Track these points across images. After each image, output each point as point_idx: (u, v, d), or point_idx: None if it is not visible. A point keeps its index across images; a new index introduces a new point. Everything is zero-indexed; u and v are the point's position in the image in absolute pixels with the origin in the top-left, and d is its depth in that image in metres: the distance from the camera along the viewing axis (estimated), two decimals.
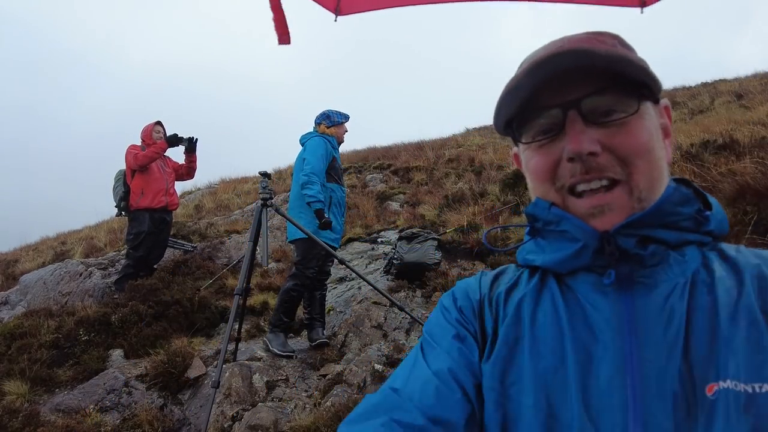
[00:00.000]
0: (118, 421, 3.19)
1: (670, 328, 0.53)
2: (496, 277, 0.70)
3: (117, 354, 4.04)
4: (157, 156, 5.28)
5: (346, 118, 4.15)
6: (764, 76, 12.10)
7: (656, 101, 0.63)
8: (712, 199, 0.65)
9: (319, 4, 1.96)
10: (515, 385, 0.57)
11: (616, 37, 0.64)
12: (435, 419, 0.56)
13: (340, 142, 4.16)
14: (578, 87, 0.58)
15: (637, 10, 1.90)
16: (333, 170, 4.03)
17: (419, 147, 12.35)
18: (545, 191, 0.63)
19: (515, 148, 0.71)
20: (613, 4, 1.96)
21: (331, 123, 4.08)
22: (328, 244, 3.66)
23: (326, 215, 3.70)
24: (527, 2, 2.04)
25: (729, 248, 0.62)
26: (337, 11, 1.98)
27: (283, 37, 1.81)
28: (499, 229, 1.36)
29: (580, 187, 0.59)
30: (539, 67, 0.57)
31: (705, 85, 12.95)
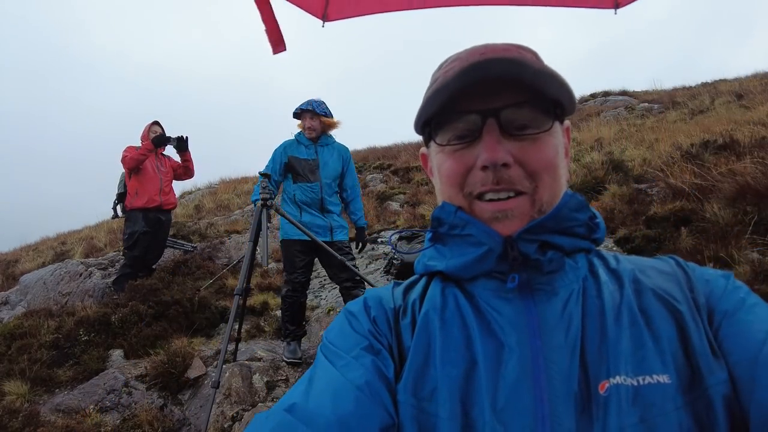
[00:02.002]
0: (118, 421, 3.19)
1: (570, 332, 0.56)
2: (408, 287, 0.69)
3: (117, 354, 4.04)
4: (143, 157, 5.27)
5: (300, 108, 3.80)
6: (764, 76, 12.10)
7: (562, 122, 0.65)
8: (595, 211, 0.67)
9: (306, 11, 1.96)
10: (430, 398, 0.56)
11: (534, 52, 0.65)
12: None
13: (309, 136, 3.83)
14: (501, 97, 0.59)
15: (611, 11, 1.90)
16: (293, 170, 3.82)
17: (419, 147, 12.34)
18: (453, 196, 0.64)
19: (424, 149, 0.72)
20: (587, 6, 1.95)
21: (294, 117, 3.92)
22: (322, 241, 3.53)
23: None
24: (503, 5, 2.04)
25: (608, 255, 0.66)
26: (324, 17, 1.97)
27: (278, 46, 1.81)
28: (414, 231, 1.36)
29: (488, 196, 0.60)
30: (470, 71, 0.57)
31: (705, 85, 12.95)
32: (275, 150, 3.87)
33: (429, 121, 0.65)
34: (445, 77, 0.60)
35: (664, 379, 0.52)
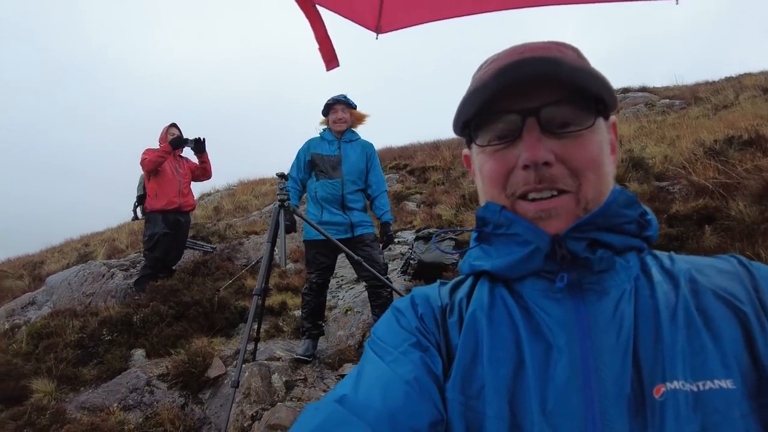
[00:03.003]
0: (141, 419, 3.25)
1: (622, 333, 0.54)
2: (454, 287, 0.69)
3: (139, 354, 4.11)
4: (161, 159, 5.35)
5: (331, 100, 3.81)
6: None
7: (607, 117, 0.64)
8: (646, 208, 0.66)
9: (360, 24, 1.94)
10: (478, 396, 0.56)
11: (575, 49, 0.64)
12: (398, 427, 0.52)
13: (339, 129, 3.84)
14: (539, 95, 0.58)
15: (672, 2, 1.84)
16: (315, 167, 3.81)
17: (435, 146, 12.30)
18: (495, 196, 0.63)
19: (466, 150, 0.72)
20: None
21: (322, 114, 3.91)
22: (339, 239, 3.51)
23: (290, 213, 3.38)
24: (560, 5, 1.98)
25: (662, 254, 0.64)
26: (378, 29, 1.96)
27: (331, 62, 1.81)
28: (451, 232, 1.35)
29: (531, 195, 0.59)
30: (506, 71, 0.57)
31: (729, 79, 12.61)
32: (299, 149, 3.87)
33: (469, 122, 0.64)
34: (482, 78, 0.60)
35: (727, 384, 0.50)
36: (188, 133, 5.66)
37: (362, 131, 4.05)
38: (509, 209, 0.62)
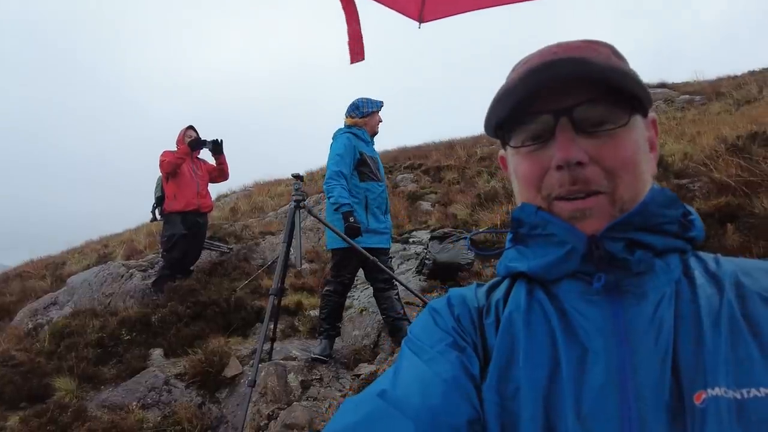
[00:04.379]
0: (159, 418, 3.29)
1: (661, 337, 0.53)
2: (491, 288, 0.68)
3: (157, 353, 4.17)
4: (180, 161, 5.41)
5: (378, 105, 3.78)
6: None
7: (645, 114, 0.62)
8: (690, 208, 0.63)
9: (402, 13, 1.93)
10: (513, 397, 0.55)
11: (610, 47, 0.63)
12: (437, 424, 0.52)
13: (373, 133, 3.82)
14: (571, 95, 0.57)
15: None
16: (364, 166, 3.68)
17: (450, 146, 12.24)
18: (531, 198, 0.63)
19: (502, 151, 0.71)
20: None
21: (361, 114, 3.76)
22: (372, 248, 3.50)
23: (354, 217, 3.39)
24: None
25: (707, 256, 0.62)
26: (420, 18, 1.95)
27: (358, 55, 1.80)
28: (490, 232, 1.33)
29: (566, 197, 0.59)
30: (536, 72, 0.56)
31: (752, 73, 12.30)
32: (344, 143, 3.63)
33: (501, 124, 0.64)
34: (514, 79, 0.60)
35: None
36: (205, 135, 5.73)
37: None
38: (546, 210, 0.61)
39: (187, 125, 5.71)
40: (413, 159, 11.87)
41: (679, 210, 0.61)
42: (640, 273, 0.57)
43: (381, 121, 3.86)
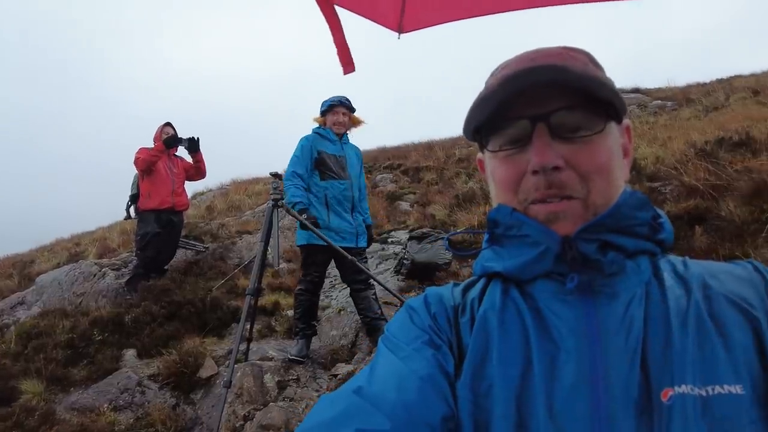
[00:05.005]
0: (132, 420, 3.23)
1: (630, 336, 0.54)
2: (467, 287, 0.69)
3: (130, 354, 4.09)
4: (155, 158, 5.31)
5: (333, 101, 3.75)
6: None
7: (619, 121, 0.64)
8: (660, 211, 0.65)
9: (381, 24, 1.93)
10: (487, 394, 0.56)
11: (587, 54, 0.65)
12: (412, 420, 0.53)
13: (338, 132, 3.80)
14: (549, 101, 0.59)
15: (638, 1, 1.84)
16: (323, 165, 3.70)
17: (429, 147, 12.30)
18: (508, 201, 0.64)
19: (480, 155, 0.72)
20: None
21: (321, 112, 3.81)
22: (344, 247, 3.49)
23: (307, 213, 3.40)
24: (568, 4, 1.97)
25: (675, 259, 0.64)
26: (400, 29, 1.95)
27: (348, 66, 1.79)
28: (468, 232, 1.35)
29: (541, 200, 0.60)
30: (515, 78, 0.57)
31: (720, 81, 12.71)
32: (301, 145, 3.73)
33: (480, 128, 0.65)
34: (493, 84, 0.61)
35: (736, 389, 0.50)
36: (183, 133, 5.63)
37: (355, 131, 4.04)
38: (521, 212, 0.63)
39: (165, 122, 5.60)
40: (392, 159, 11.90)
41: (650, 213, 0.63)
42: (611, 274, 0.58)
43: (341, 122, 3.77)
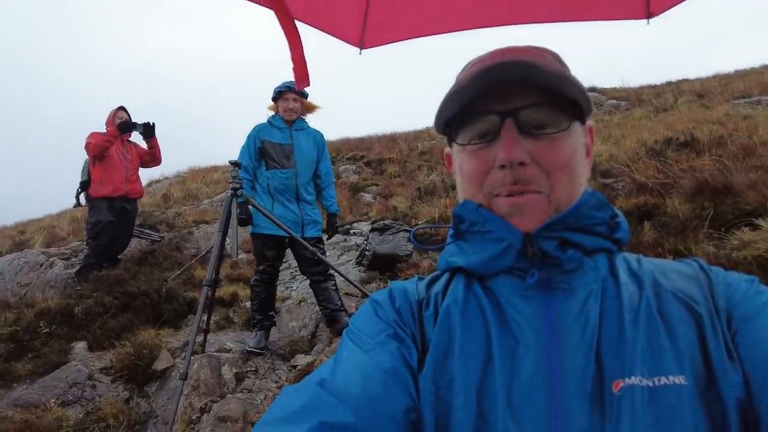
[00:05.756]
0: (81, 415, 3.11)
1: (586, 331, 0.57)
2: (431, 282, 0.71)
3: (80, 346, 3.93)
4: (108, 144, 5.10)
5: (282, 87, 3.67)
6: (723, 77, 12.55)
7: (583, 121, 0.67)
8: (617, 211, 0.68)
9: (342, 40, 1.91)
10: (448, 387, 0.58)
11: (554, 54, 0.67)
12: (375, 412, 0.54)
13: (289, 118, 3.71)
14: (518, 98, 0.61)
15: (644, 21, 1.90)
16: (266, 155, 3.66)
17: (392, 139, 12.33)
18: (473, 194, 0.66)
19: (448, 149, 0.74)
20: (618, 18, 1.95)
21: (272, 98, 3.76)
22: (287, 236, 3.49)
23: (240, 208, 3.36)
24: (539, 23, 2.00)
25: (631, 257, 0.67)
26: (361, 44, 1.93)
27: (303, 81, 1.77)
28: (430, 227, 1.38)
29: (505, 194, 0.62)
30: (487, 73, 0.59)
31: (669, 84, 13.33)
32: (247, 135, 3.74)
33: (450, 122, 0.66)
34: (464, 79, 0.62)
35: (680, 380, 0.52)
36: (138, 118, 5.41)
37: (314, 120, 3.98)
38: (486, 207, 0.64)
39: (118, 106, 5.37)
40: (356, 150, 11.87)
41: (608, 212, 0.65)
42: (570, 271, 0.60)
43: (292, 108, 3.69)
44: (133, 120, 5.33)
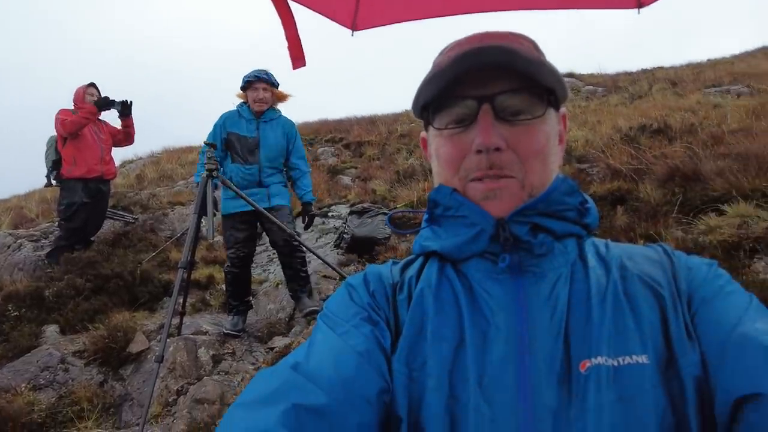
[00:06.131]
0: (54, 399, 3.06)
1: (555, 314, 0.59)
2: (406, 265, 0.72)
3: (52, 330, 3.85)
4: (86, 121, 4.93)
5: (251, 76, 3.55)
6: (696, 66, 12.81)
7: (558, 108, 0.68)
8: (587, 197, 0.70)
9: (335, 21, 1.88)
10: (421, 368, 0.59)
11: (531, 41, 0.68)
12: (349, 395, 0.55)
13: (258, 109, 3.60)
14: (496, 83, 0.61)
15: (634, 11, 1.91)
16: (230, 148, 3.60)
17: (372, 121, 12.26)
18: (449, 178, 0.66)
19: (424, 133, 0.74)
20: (609, 7, 1.95)
21: (241, 88, 3.62)
22: (265, 208, 3.44)
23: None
24: (531, 9, 1.99)
25: (599, 242, 0.69)
26: (354, 26, 1.90)
27: (298, 61, 1.74)
28: (408, 211, 1.39)
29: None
30: (466, 57, 0.59)
31: (644, 71, 13.53)
32: (214, 124, 3.64)
33: (427, 105, 0.66)
34: (442, 63, 0.62)
35: (643, 359, 0.54)
36: (109, 96, 5.22)
37: (291, 104, 3.88)
38: (461, 191, 0.65)
39: (88, 83, 5.17)
40: (334, 132, 11.77)
41: (578, 198, 0.67)
42: (540, 255, 0.62)
43: (262, 99, 3.57)
44: (109, 98, 5.13)
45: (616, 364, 0.54)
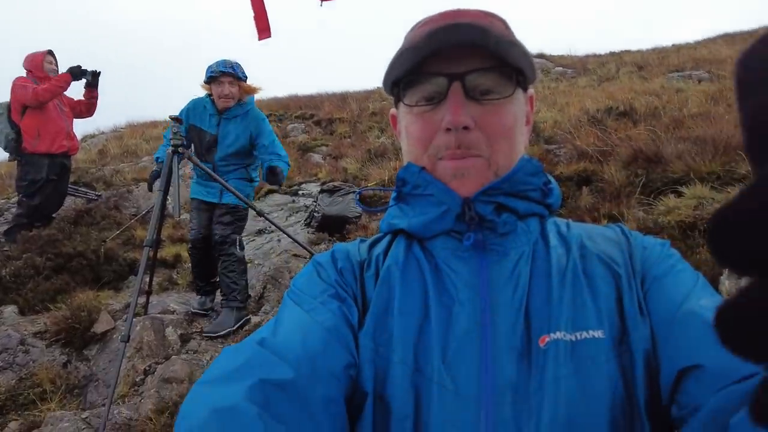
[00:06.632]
0: (14, 381, 2.98)
1: (517, 291, 0.61)
2: (373, 243, 0.73)
3: (10, 310, 3.72)
4: (60, 91, 4.69)
5: (215, 71, 3.26)
6: (662, 51, 13.10)
7: (526, 89, 0.69)
8: (550, 177, 0.72)
9: None
10: (387, 343, 0.60)
11: (503, 21, 0.68)
12: (316, 369, 0.55)
13: (224, 105, 3.34)
14: (467, 61, 0.61)
15: None
16: (192, 141, 3.45)
17: (343, 98, 12.09)
18: (418, 156, 0.67)
19: (393, 110, 0.74)
20: None
21: (205, 81, 3.34)
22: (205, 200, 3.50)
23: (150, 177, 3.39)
24: None
25: (561, 222, 0.71)
26: None
27: (264, 33, 1.68)
28: (378, 190, 1.40)
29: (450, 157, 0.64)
30: (439, 33, 0.59)
31: (612, 54, 13.76)
32: (181, 109, 3.46)
33: (398, 82, 0.66)
34: (413, 39, 0.62)
35: (598, 334, 0.57)
36: (63, 66, 4.95)
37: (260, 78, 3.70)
38: (429, 170, 0.66)
39: (46, 50, 4.85)
40: (305, 109, 11.57)
41: (542, 179, 0.68)
42: (504, 234, 0.64)
43: (227, 95, 3.30)
44: (80, 66, 4.84)
45: (573, 338, 0.57)
